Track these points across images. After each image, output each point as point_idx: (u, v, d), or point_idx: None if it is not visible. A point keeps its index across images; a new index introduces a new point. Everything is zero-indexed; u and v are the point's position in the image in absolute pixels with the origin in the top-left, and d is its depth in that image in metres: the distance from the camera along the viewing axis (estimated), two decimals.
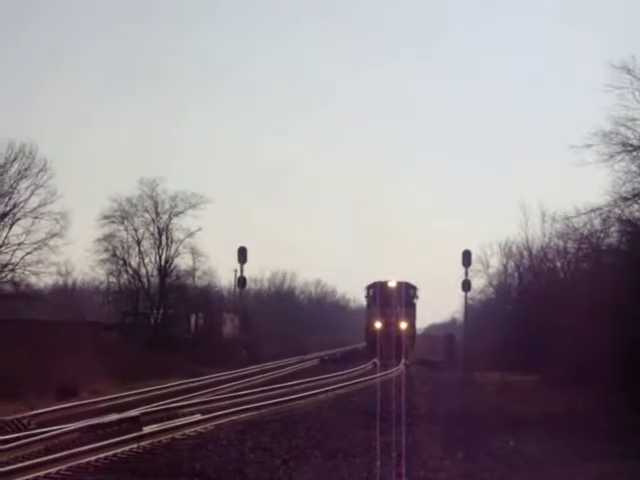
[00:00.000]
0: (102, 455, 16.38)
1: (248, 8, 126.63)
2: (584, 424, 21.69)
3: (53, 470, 14.88)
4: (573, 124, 75.46)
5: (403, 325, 59.99)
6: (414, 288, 64.70)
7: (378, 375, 37.00)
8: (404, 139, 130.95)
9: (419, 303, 64.96)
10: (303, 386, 32.86)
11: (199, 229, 56.32)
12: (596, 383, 28.67)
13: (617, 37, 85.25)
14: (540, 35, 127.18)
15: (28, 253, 47.32)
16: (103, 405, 25.24)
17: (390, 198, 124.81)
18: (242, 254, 54.00)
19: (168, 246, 56.38)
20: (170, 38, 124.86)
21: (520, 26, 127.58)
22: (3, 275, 47.02)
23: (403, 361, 49.31)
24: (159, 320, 55.58)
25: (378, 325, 59.47)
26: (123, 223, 55.57)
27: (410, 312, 63.03)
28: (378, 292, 62.07)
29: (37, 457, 15.83)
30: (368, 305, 66.32)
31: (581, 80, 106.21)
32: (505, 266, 66.75)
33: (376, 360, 47.70)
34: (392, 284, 62.56)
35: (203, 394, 29.35)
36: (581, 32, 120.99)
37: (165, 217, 56.32)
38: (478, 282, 66.67)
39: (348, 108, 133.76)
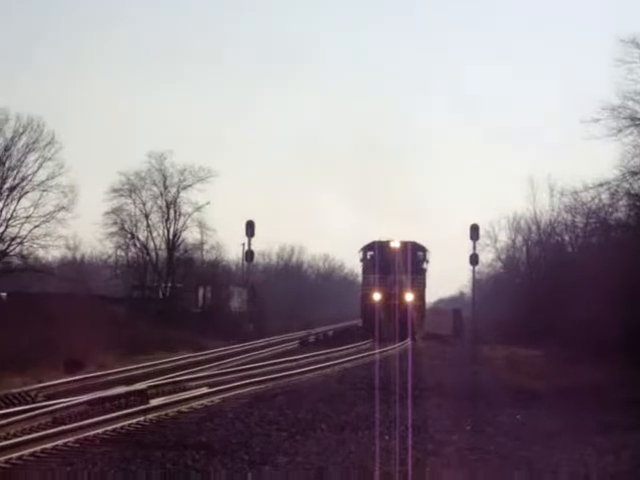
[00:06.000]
0: (109, 427, 16.35)
1: None
2: (593, 397, 21.60)
3: (60, 442, 14.85)
4: (582, 98, 75.17)
5: (409, 297, 49.54)
6: (423, 250, 53.31)
7: (385, 349, 36.92)
8: (418, 114, 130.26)
9: (430, 269, 54.20)
10: (310, 359, 32.83)
11: (207, 203, 56.20)
12: (604, 357, 28.59)
13: (626, 11, 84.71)
14: (550, 9, 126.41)
15: (36, 226, 47.46)
16: (110, 378, 25.26)
17: (397, 172, 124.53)
18: (250, 228, 53.94)
19: (176, 220, 56.35)
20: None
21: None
22: (11, 248, 47.10)
23: (410, 337, 43.57)
24: (167, 294, 55.64)
25: (377, 297, 49.20)
26: (131, 196, 55.57)
27: (418, 280, 51.80)
28: (377, 254, 50.31)
29: (44, 429, 15.82)
30: (364, 271, 53.59)
31: (590, 54, 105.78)
32: (513, 240, 66.87)
33: (373, 341, 40.05)
34: (395, 244, 50.68)
35: (210, 367, 29.38)
36: (591, 6, 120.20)
37: (173, 190, 56.27)
38: (486, 256, 66.74)
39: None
